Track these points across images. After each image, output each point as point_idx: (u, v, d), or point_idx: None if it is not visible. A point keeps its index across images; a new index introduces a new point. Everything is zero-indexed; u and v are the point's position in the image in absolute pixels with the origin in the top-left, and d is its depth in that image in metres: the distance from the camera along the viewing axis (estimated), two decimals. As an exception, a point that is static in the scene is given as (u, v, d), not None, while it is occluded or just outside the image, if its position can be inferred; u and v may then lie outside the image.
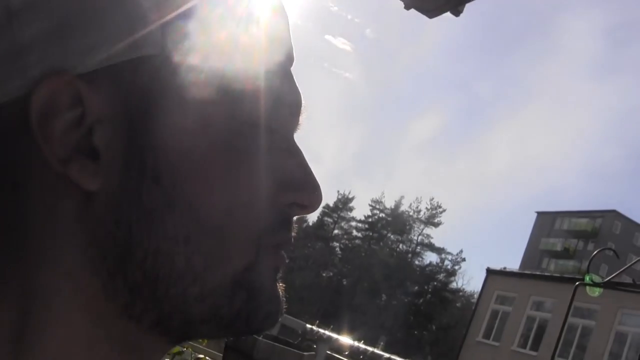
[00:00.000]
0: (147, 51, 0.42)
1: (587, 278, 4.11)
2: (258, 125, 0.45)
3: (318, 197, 0.48)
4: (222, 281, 0.43)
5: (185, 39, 0.43)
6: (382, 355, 17.43)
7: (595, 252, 4.30)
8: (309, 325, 17.90)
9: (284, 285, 0.49)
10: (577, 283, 4.43)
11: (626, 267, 4.06)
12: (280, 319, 0.49)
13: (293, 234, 0.49)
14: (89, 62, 0.41)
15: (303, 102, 0.50)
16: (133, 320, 0.43)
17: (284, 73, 0.48)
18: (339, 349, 16.44)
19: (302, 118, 0.51)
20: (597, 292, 4.17)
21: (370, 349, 17.77)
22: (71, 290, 0.42)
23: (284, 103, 0.47)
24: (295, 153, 0.48)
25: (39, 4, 0.41)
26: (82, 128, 0.42)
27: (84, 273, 0.42)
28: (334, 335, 17.70)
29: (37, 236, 0.42)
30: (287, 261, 0.49)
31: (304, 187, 0.48)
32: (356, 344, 18.04)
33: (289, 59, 0.49)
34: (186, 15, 0.43)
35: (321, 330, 17.68)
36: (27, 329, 0.42)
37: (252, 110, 0.44)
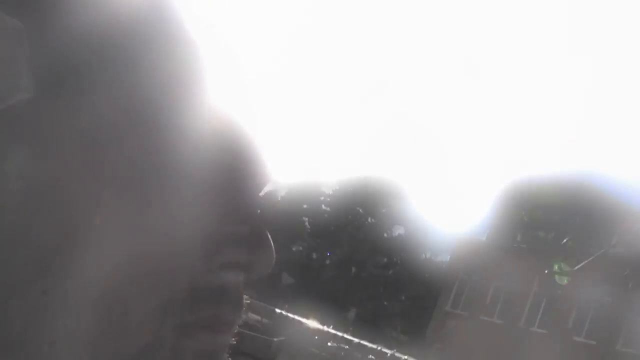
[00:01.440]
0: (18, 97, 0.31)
1: (555, 267, 4.11)
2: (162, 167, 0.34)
3: (264, 254, 0.37)
4: None
5: (61, 75, 0.32)
6: (351, 341, 17.62)
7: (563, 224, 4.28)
8: (277, 310, 17.89)
9: None
10: (545, 271, 4.43)
11: (591, 258, 4.04)
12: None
13: (236, 310, 0.37)
14: None
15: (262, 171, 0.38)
16: None
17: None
18: (306, 333, 16.57)
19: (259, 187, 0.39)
20: (565, 280, 4.19)
21: (339, 334, 17.85)
22: None
23: (223, 159, 0.36)
24: (237, 204, 0.37)
25: None
26: None
27: None
28: (303, 320, 17.76)
29: None
30: (228, 343, 0.37)
31: (245, 242, 0.37)
32: (325, 329, 18.10)
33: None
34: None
35: (290, 315, 17.71)
36: None
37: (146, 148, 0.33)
